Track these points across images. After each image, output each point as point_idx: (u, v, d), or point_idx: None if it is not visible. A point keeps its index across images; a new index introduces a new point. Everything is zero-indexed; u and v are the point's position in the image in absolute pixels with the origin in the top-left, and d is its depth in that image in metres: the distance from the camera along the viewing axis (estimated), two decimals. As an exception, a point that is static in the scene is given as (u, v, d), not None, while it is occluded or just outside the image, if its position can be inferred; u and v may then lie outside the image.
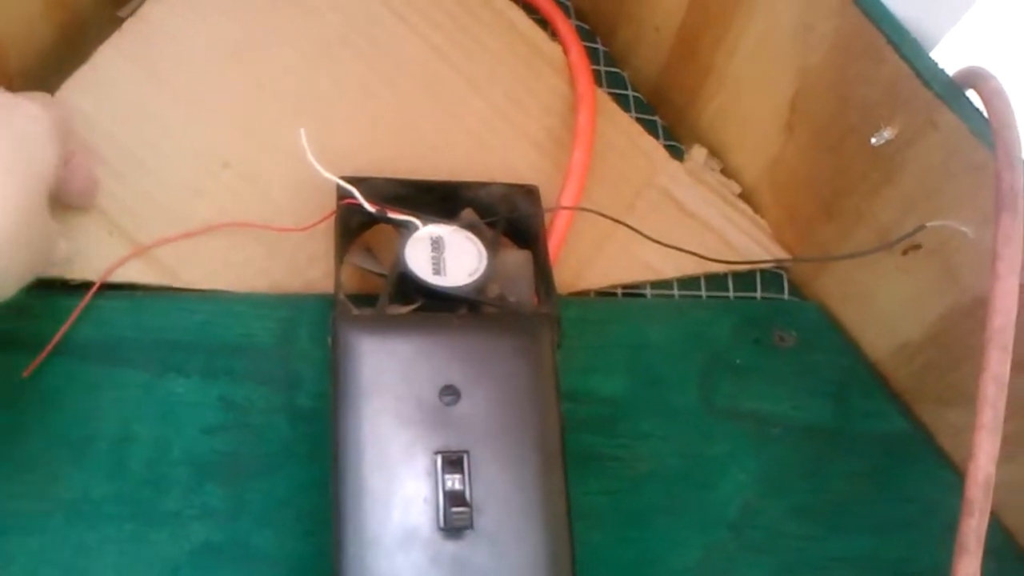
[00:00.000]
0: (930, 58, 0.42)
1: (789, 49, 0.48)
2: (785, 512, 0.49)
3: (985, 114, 0.39)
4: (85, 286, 0.47)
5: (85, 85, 0.49)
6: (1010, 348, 0.36)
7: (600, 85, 0.57)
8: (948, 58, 0.43)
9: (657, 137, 0.57)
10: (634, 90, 0.58)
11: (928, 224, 0.44)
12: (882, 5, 0.43)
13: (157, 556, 0.44)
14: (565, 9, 0.59)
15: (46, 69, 0.50)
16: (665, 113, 0.58)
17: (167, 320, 0.48)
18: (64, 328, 0.45)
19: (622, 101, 0.58)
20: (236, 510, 0.45)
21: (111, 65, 0.50)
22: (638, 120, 0.57)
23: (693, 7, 0.52)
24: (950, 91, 0.41)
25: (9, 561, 0.43)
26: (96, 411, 0.46)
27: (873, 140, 0.45)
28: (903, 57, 0.42)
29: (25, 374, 0.45)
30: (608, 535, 0.47)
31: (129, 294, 0.48)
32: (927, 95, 0.42)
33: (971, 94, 0.41)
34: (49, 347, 0.45)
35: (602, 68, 0.58)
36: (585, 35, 0.59)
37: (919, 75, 0.42)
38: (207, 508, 0.45)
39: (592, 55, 0.58)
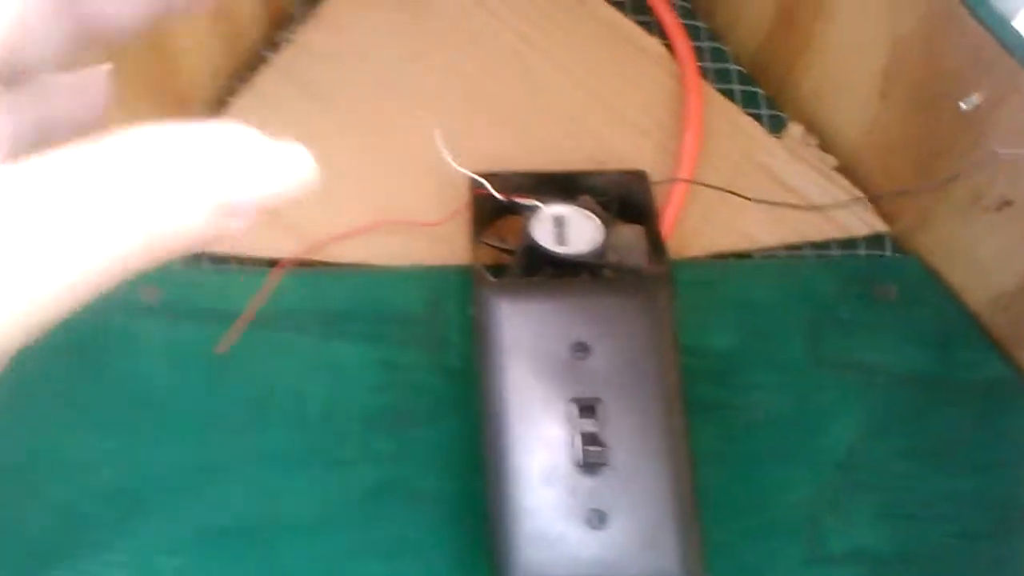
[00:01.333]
0: (1012, 26, 0.46)
1: (882, 19, 0.51)
2: (890, 454, 0.54)
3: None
4: (251, 262, 0.55)
5: (251, 103, 0.57)
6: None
7: (702, 60, 0.62)
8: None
9: (759, 108, 0.61)
10: (736, 63, 0.63)
11: (1000, 151, 0.47)
12: (966, -17, 0.46)
13: (334, 497, 0.52)
14: (666, -7, 0.64)
15: (216, 85, 0.58)
16: (766, 84, 0.62)
17: (332, 293, 0.55)
18: (254, 305, 0.53)
19: (724, 74, 0.62)
20: (400, 456, 0.52)
21: (273, 84, 0.58)
22: (740, 92, 0.62)
23: (789, -9, 0.56)
24: (1033, 58, 0.45)
25: (210, 501, 0.51)
26: (276, 374, 0.53)
27: (962, 105, 0.49)
28: (986, 26, 0.46)
29: (221, 349, 0.53)
30: (724, 476, 0.52)
31: (297, 271, 0.55)
32: (1010, 62, 0.45)
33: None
34: (242, 321, 0.53)
35: (704, 44, 0.63)
36: (686, 13, 0.64)
37: (1002, 43, 0.45)
38: (376, 455, 0.52)
39: (693, 32, 0.63)
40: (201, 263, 0.55)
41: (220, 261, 0.55)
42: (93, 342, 0.53)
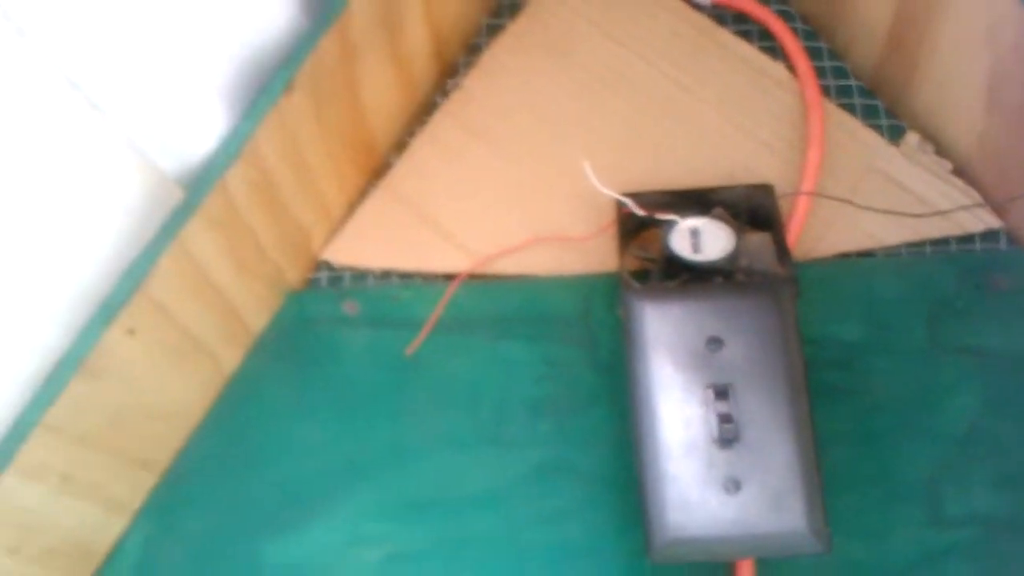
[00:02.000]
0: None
1: (980, 45, 0.57)
2: (1007, 428, 0.59)
3: None
4: (431, 277, 0.65)
5: (426, 144, 0.68)
6: None
7: (824, 77, 0.68)
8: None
9: (879, 118, 0.67)
10: (856, 79, 0.68)
11: None
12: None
13: (505, 472, 0.61)
14: (790, 16, 0.70)
15: (396, 130, 0.68)
16: (884, 96, 0.67)
17: (500, 301, 0.65)
18: (436, 313, 0.63)
19: (846, 89, 0.68)
20: (560, 438, 0.61)
21: (444, 126, 0.68)
22: (861, 104, 0.68)
23: (899, 13, 0.62)
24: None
25: (407, 477, 0.61)
26: (456, 370, 0.63)
27: (1060, 113, 0.54)
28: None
29: (409, 351, 0.63)
30: (852, 451, 0.58)
31: (470, 283, 0.65)
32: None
33: None
34: (427, 328, 0.63)
35: (826, 63, 0.69)
36: (809, 36, 0.70)
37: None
38: (540, 437, 0.61)
39: (816, 52, 0.69)
40: (391, 280, 0.66)
41: (406, 277, 0.66)
42: (308, 349, 0.64)
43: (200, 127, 0.52)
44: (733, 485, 0.51)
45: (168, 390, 0.59)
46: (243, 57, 0.53)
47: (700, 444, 0.52)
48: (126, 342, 0.52)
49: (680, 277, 0.58)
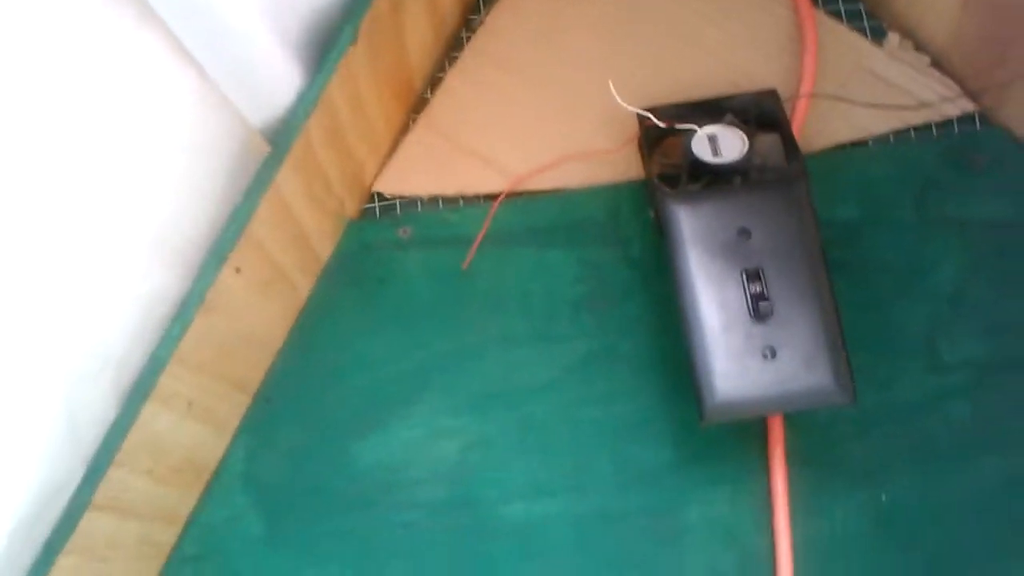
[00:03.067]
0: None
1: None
2: (988, 285, 0.68)
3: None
4: (475, 198, 0.72)
5: (458, 78, 0.74)
6: None
7: (811, -14, 0.75)
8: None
9: (862, 20, 0.74)
10: (840, -17, 0.76)
11: None
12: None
13: (557, 362, 0.69)
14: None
15: (431, 66, 0.74)
16: (866, 1, 0.75)
17: (538, 214, 0.72)
18: (483, 231, 0.71)
19: (831, -4, 0.76)
20: (603, 329, 0.70)
21: (473, 61, 0.74)
22: (845, 9, 0.75)
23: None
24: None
25: (471, 375, 0.69)
26: (505, 278, 0.71)
27: (1027, 8, 0.61)
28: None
29: (464, 265, 0.71)
30: (856, 315, 0.66)
31: (510, 201, 0.72)
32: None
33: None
34: (475, 244, 0.71)
35: (811, -26, 0.76)
36: (794, -51, 0.77)
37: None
38: (585, 329, 0.70)
39: (802, -36, 0.76)
40: (438, 204, 0.73)
41: (451, 201, 0.73)
42: (370, 271, 0.72)
43: (279, 81, 0.58)
44: (770, 352, 0.60)
45: (260, 318, 0.66)
46: (309, 13, 0.59)
47: (739, 320, 0.61)
48: (234, 279, 0.59)
49: (704, 179, 0.66)
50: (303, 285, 0.70)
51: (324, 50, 0.60)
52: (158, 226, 0.54)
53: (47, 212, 0.47)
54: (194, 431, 0.63)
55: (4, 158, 0.43)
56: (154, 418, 0.57)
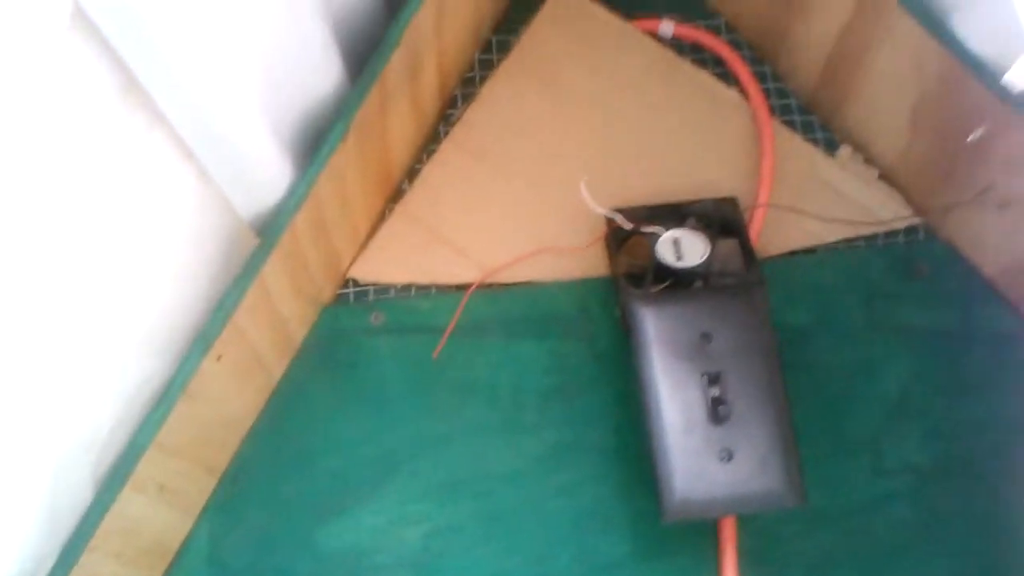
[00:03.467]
0: (1003, 83, 0.63)
1: (908, 75, 0.69)
2: (931, 392, 0.72)
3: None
4: (447, 288, 0.75)
5: (435, 170, 0.77)
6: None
7: (768, 96, 0.80)
8: (1016, 80, 0.63)
9: (815, 132, 0.79)
10: (795, 98, 0.80)
11: (997, 180, 0.66)
12: (969, 51, 0.64)
13: (525, 453, 0.71)
14: (738, 44, 0.81)
15: (410, 157, 0.77)
16: (820, 114, 0.80)
17: (509, 306, 0.75)
18: (454, 320, 0.73)
19: (787, 107, 0.80)
20: (569, 420, 0.72)
21: (451, 153, 0.77)
22: (800, 120, 0.80)
23: (836, 47, 0.73)
24: (1018, 104, 0.62)
25: (439, 463, 0.71)
26: (476, 368, 0.73)
27: (970, 138, 0.66)
28: (985, 82, 0.63)
29: (435, 355, 0.73)
30: (806, 415, 0.69)
31: (482, 291, 0.75)
32: (1003, 108, 0.63)
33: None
34: (447, 334, 0.73)
35: (770, 85, 0.81)
36: (755, 61, 0.81)
37: (996, 94, 0.63)
38: (552, 420, 0.72)
39: (760, 75, 0.81)
40: (410, 292, 0.75)
41: (423, 289, 0.75)
42: (342, 355, 0.73)
43: (271, 175, 0.60)
44: (727, 455, 0.63)
45: (234, 401, 0.67)
46: (302, 109, 0.61)
47: (699, 422, 0.64)
48: (215, 366, 0.60)
49: (667, 281, 0.69)
50: (276, 368, 0.71)
51: (315, 145, 0.62)
52: (153, 317, 0.56)
53: (51, 306, 0.48)
54: (164, 513, 0.64)
55: (7, 246, 0.44)
56: (128, 503, 0.58)
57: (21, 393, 0.47)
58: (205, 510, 0.69)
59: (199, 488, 0.68)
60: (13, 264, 0.44)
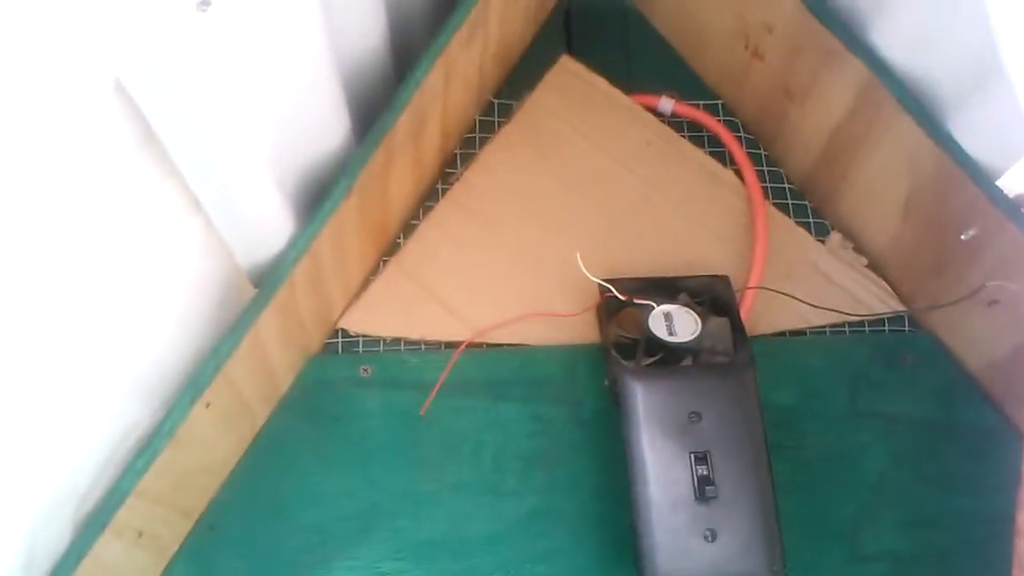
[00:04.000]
0: (996, 186, 0.65)
1: (903, 170, 0.70)
2: (911, 480, 0.73)
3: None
4: (437, 345, 0.75)
5: (431, 228, 0.77)
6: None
7: (762, 179, 0.81)
8: (1011, 185, 0.65)
9: (807, 216, 0.81)
10: (789, 182, 0.82)
11: (988, 283, 0.67)
12: (966, 152, 0.65)
13: (504, 517, 0.71)
14: (735, 126, 0.83)
15: (407, 214, 0.78)
16: (813, 199, 0.81)
17: (497, 367, 0.75)
18: (442, 378, 0.73)
19: (780, 191, 0.82)
20: (551, 486, 0.72)
21: (447, 212, 0.78)
22: (792, 204, 0.81)
23: (832, 137, 0.75)
24: (1011, 209, 0.64)
25: (418, 521, 0.71)
26: (460, 427, 0.73)
27: (962, 236, 0.68)
28: (979, 185, 0.65)
29: (421, 412, 0.72)
30: (787, 498, 0.70)
31: (471, 351, 0.75)
32: (996, 211, 0.64)
33: (1024, 212, 0.64)
34: (434, 391, 0.73)
35: (765, 168, 0.82)
36: (751, 143, 0.83)
37: (990, 197, 0.64)
38: (533, 485, 0.72)
39: (756, 159, 0.82)
40: (400, 346, 0.75)
41: (413, 344, 0.75)
42: (328, 406, 0.73)
43: (273, 228, 0.60)
44: (711, 534, 0.63)
45: (218, 448, 0.66)
46: (308, 164, 0.62)
47: (684, 500, 0.64)
48: (203, 414, 0.59)
49: (657, 354, 0.70)
50: (260, 415, 0.71)
51: (317, 199, 0.62)
52: (144, 362, 0.55)
53: (43, 348, 0.47)
54: (139, 558, 0.63)
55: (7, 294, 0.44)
56: (105, 549, 0.57)
57: (6, 438, 0.46)
58: (179, 555, 0.68)
59: (175, 532, 0.67)
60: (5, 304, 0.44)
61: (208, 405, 0.59)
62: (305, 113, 0.57)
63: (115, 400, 0.54)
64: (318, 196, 0.63)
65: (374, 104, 0.67)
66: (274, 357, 0.66)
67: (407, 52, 0.71)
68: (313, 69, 0.56)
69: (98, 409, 0.53)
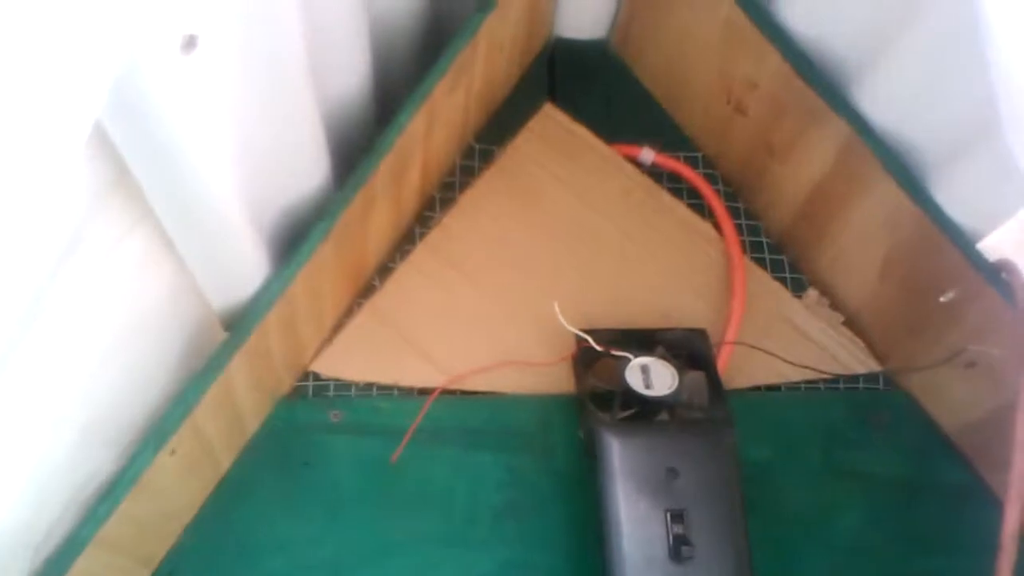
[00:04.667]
0: (976, 250, 0.65)
1: (882, 230, 0.71)
2: (884, 538, 0.72)
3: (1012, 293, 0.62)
4: (409, 391, 0.73)
5: (408, 272, 0.76)
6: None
7: (742, 234, 0.81)
8: (991, 249, 0.65)
9: (784, 271, 0.80)
10: (767, 237, 0.82)
11: (969, 347, 0.67)
12: (946, 216, 0.65)
13: (474, 569, 0.70)
14: (714, 179, 0.83)
15: (384, 256, 0.76)
16: (790, 254, 0.81)
17: (470, 414, 0.74)
18: (415, 424, 0.72)
19: (758, 245, 0.81)
20: (521, 539, 0.70)
21: (424, 257, 0.77)
22: (770, 259, 0.81)
23: (812, 194, 0.75)
24: (990, 274, 0.64)
25: (387, 572, 0.69)
26: (432, 475, 0.72)
27: (941, 299, 0.68)
28: (959, 247, 0.65)
29: (393, 459, 0.71)
30: (762, 554, 0.69)
31: (444, 398, 0.73)
32: (976, 275, 0.64)
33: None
34: (406, 438, 0.71)
35: (743, 222, 0.82)
36: (729, 196, 0.83)
37: (970, 261, 0.65)
38: (503, 537, 0.70)
39: (735, 212, 0.82)
40: (371, 391, 0.73)
41: (385, 389, 0.74)
42: (296, 451, 0.71)
43: (247, 270, 0.58)
44: (685, 595, 0.62)
45: (180, 494, 0.64)
46: (285, 207, 0.61)
47: (659, 560, 0.62)
48: (168, 461, 0.57)
49: (633, 407, 0.69)
50: (225, 460, 0.69)
51: (294, 243, 0.61)
52: (106, 406, 0.54)
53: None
54: (92, 608, 0.60)
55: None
56: (59, 600, 0.55)
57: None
58: (134, 605, 0.66)
59: (132, 581, 0.65)
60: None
61: (173, 452, 0.58)
62: (285, 154, 0.56)
63: (76, 445, 0.52)
64: (295, 239, 0.62)
65: (355, 147, 0.66)
66: (242, 401, 0.65)
67: (391, 96, 0.70)
68: (295, 110, 0.55)
69: (58, 454, 0.51)
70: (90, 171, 0.43)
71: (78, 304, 0.46)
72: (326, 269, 0.65)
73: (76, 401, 0.50)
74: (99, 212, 0.44)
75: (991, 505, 0.72)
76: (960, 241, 0.65)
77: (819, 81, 0.69)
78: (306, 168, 0.60)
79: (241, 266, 0.58)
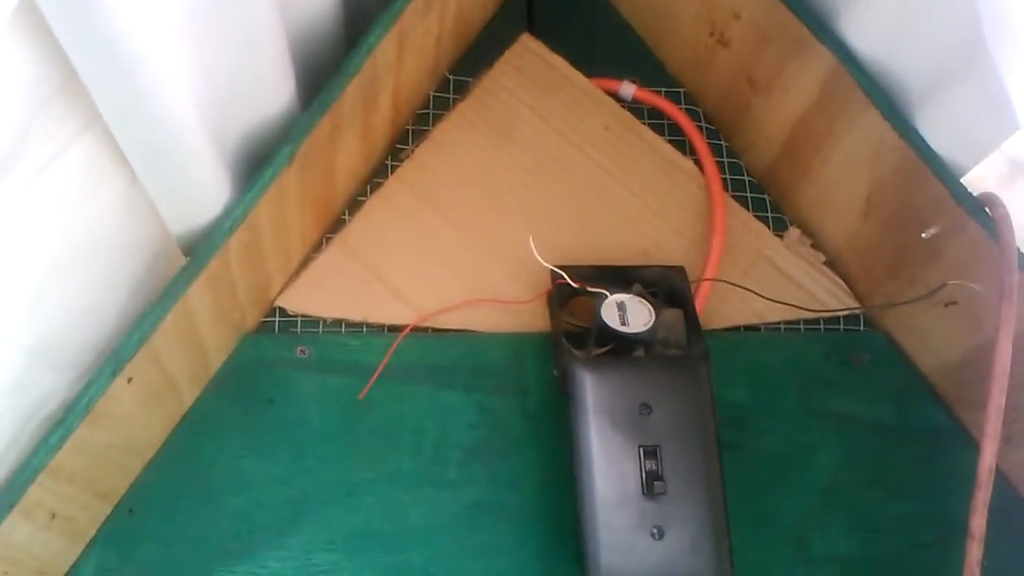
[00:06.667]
0: (960, 183, 0.63)
1: (866, 165, 0.69)
2: (860, 482, 0.71)
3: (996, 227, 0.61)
4: (379, 328, 0.71)
5: (379, 205, 0.74)
6: (1005, 384, 0.58)
7: (723, 172, 0.79)
8: (975, 183, 0.64)
9: (766, 211, 0.79)
10: (748, 175, 0.80)
11: (950, 282, 0.66)
12: (931, 148, 0.64)
13: (443, 510, 0.68)
14: (696, 115, 0.81)
15: (354, 189, 0.74)
16: (772, 192, 0.79)
17: (441, 353, 0.72)
18: (384, 362, 0.70)
19: (740, 183, 0.79)
20: (492, 479, 0.69)
21: (396, 190, 0.75)
22: (751, 197, 0.79)
23: (795, 130, 0.73)
24: (974, 208, 0.62)
25: (353, 511, 0.67)
26: (400, 414, 0.70)
27: (924, 234, 0.66)
28: (943, 181, 0.63)
29: (360, 397, 0.69)
30: (736, 498, 0.68)
31: (415, 335, 0.72)
32: (959, 210, 0.63)
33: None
34: (375, 376, 0.69)
35: (725, 160, 0.80)
36: (712, 134, 0.81)
37: (953, 195, 0.63)
38: (474, 477, 0.69)
39: (717, 149, 0.80)
40: (340, 328, 0.71)
41: (354, 326, 0.72)
42: (262, 387, 0.69)
43: (207, 192, 0.56)
44: (658, 532, 0.61)
45: (140, 427, 0.62)
46: (248, 127, 0.58)
47: (632, 496, 0.61)
48: (124, 389, 0.55)
49: (609, 344, 0.67)
50: (188, 395, 0.67)
51: (257, 167, 0.59)
52: (59, 328, 0.51)
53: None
54: (51, 541, 0.59)
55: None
56: (13, 529, 0.53)
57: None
58: (95, 540, 0.64)
59: (91, 516, 0.63)
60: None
61: (130, 380, 0.55)
62: (247, 69, 0.54)
63: (24, 367, 0.50)
64: (258, 163, 0.59)
65: (323, 71, 0.64)
66: (205, 333, 0.63)
67: (361, 18, 0.67)
68: (258, 22, 0.52)
69: (4, 375, 0.48)
70: (32, 71, 0.40)
71: (17, 215, 0.44)
72: (292, 197, 0.62)
73: (20, 321, 0.48)
74: (41, 115, 0.42)
75: (968, 448, 0.72)
76: (944, 174, 0.63)
77: (804, 9, 0.67)
78: (269, 86, 0.57)
79: (200, 186, 0.55)
